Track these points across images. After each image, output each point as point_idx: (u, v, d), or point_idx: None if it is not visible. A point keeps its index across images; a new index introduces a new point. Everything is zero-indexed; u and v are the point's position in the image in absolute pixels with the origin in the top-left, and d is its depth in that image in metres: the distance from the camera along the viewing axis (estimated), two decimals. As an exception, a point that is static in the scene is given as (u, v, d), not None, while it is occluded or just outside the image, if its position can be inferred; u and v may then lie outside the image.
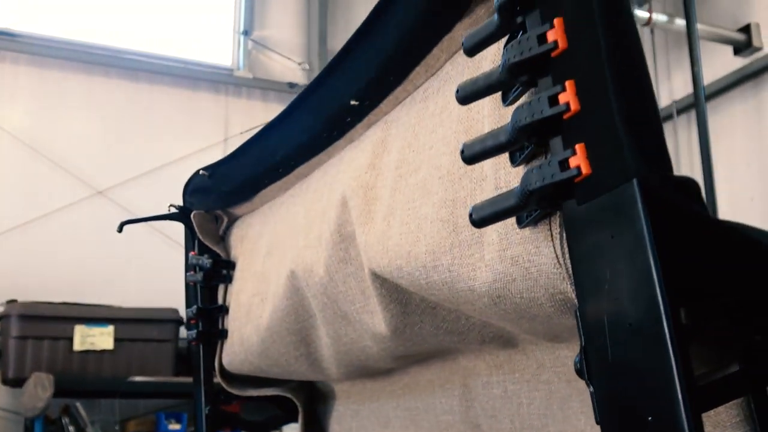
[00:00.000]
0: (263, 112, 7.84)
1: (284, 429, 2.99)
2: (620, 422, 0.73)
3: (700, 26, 7.38)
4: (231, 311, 1.82)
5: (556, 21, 0.74)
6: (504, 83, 0.82)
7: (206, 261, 1.87)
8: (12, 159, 6.85)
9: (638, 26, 7.69)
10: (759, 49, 7.42)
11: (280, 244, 1.62)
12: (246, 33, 7.80)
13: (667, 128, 8.28)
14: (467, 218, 0.99)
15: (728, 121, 7.82)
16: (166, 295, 6.62)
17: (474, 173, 0.98)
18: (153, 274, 6.82)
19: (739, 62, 7.58)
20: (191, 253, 1.94)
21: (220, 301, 1.91)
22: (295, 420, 1.97)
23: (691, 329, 0.71)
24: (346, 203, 1.29)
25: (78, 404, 6.16)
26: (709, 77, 7.58)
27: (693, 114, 7.63)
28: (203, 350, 1.89)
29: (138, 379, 6.09)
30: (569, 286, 0.82)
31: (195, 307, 1.88)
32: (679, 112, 8.23)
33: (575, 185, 0.74)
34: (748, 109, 7.79)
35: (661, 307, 0.66)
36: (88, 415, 6.16)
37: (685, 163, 8.17)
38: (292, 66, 7.96)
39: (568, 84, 0.73)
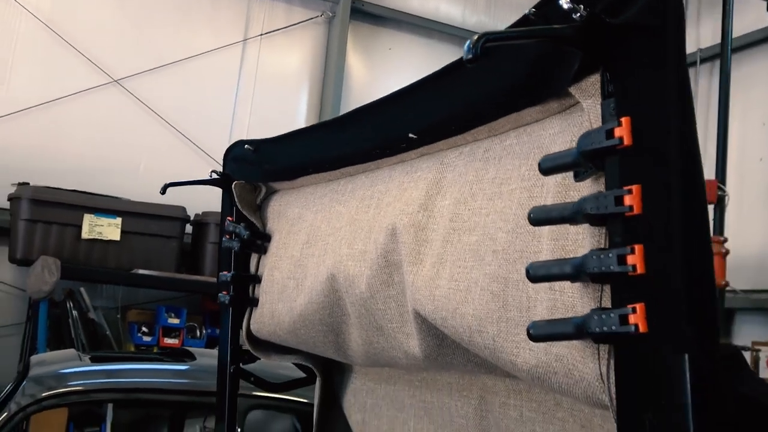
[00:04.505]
0: (285, 15, 7.69)
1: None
2: None
3: (737, -23, 7.23)
4: (264, 284, 1.91)
5: (634, 187, 0.80)
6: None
7: (244, 231, 1.95)
8: (30, 38, 6.74)
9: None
10: (794, 9, 7.26)
11: (319, 238, 1.70)
12: (275, -70, 7.62)
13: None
14: (518, 298, 1.08)
15: (751, 75, 7.76)
16: (173, 192, 6.66)
17: (530, 259, 1.06)
18: (163, 170, 6.80)
19: (770, 19, 7.46)
20: (228, 219, 2.02)
21: (252, 269, 2.00)
22: (313, 383, 2.10)
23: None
24: (395, 235, 1.37)
25: (82, 289, 6.29)
26: (738, 30, 7.48)
27: (716, 64, 7.58)
28: (233, 313, 2.00)
29: (141, 271, 6.19)
30: (608, 400, 0.92)
31: (232, 273, 1.96)
32: (703, 60, 8.15)
33: (630, 336, 0.82)
34: (771, 68, 7.70)
35: None
36: (91, 301, 6.32)
37: (702, 112, 8.14)
38: (319, -29, 7.77)
39: (637, 248, 0.80)
